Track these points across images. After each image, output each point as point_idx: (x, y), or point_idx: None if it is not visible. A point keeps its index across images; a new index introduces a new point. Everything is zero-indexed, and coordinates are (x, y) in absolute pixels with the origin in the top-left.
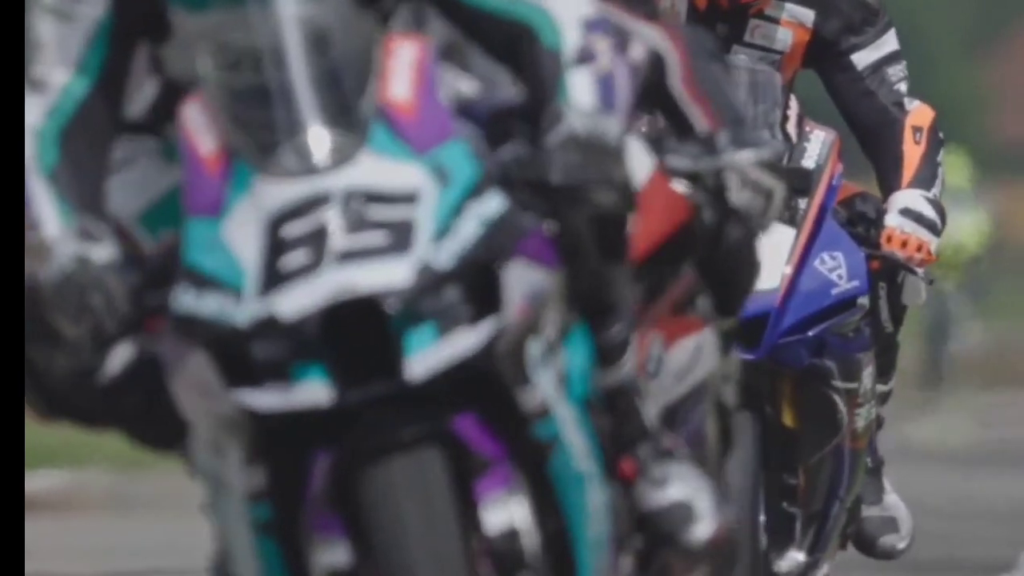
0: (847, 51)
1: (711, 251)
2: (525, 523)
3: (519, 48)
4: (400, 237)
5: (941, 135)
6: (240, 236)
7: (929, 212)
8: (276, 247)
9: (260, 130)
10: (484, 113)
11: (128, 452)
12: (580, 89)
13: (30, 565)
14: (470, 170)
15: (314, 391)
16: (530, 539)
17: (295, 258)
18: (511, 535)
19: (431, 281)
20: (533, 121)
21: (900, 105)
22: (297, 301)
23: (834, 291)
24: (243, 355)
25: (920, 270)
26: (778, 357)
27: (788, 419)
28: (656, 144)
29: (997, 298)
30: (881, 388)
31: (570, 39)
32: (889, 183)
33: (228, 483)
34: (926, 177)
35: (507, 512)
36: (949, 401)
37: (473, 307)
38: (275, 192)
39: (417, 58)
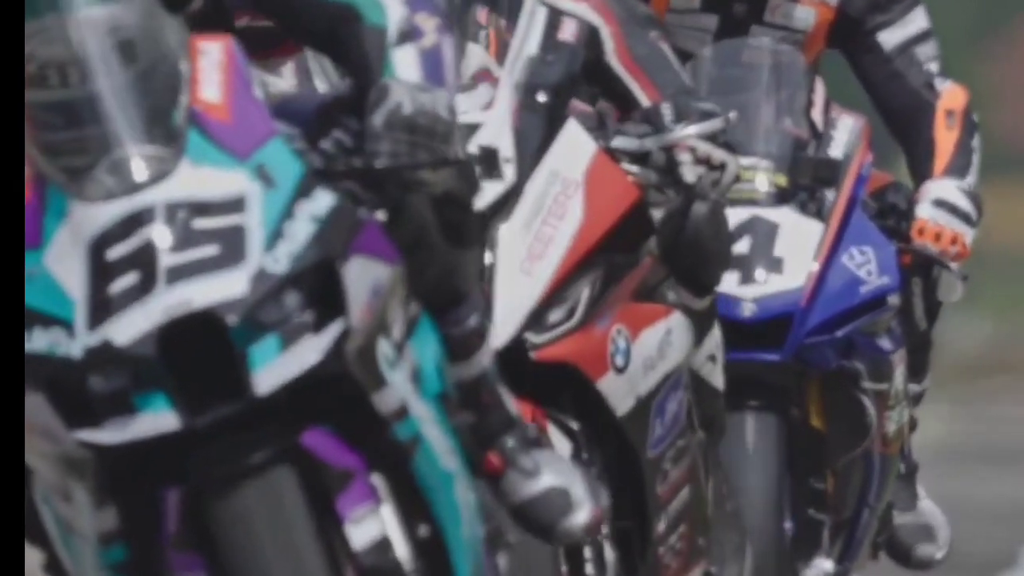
0: (873, 30)
1: (677, 232)
2: (395, 533)
3: (342, 31)
4: (231, 247)
5: (975, 118)
6: (63, 265)
7: (964, 203)
8: (102, 272)
9: (71, 150)
10: (309, 109)
11: None
12: (405, 65)
13: (30, 565)
14: (295, 169)
15: (158, 419)
16: (402, 549)
17: (124, 281)
18: (381, 547)
19: (269, 289)
20: (360, 112)
21: (931, 87)
22: (132, 326)
23: (863, 288)
24: (81, 390)
25: (954, 265)
26: (804, 358)
27: (815, 420)
28: (600, 125)
29: (984, 295)
30: (914, 388)
31: (394, 16)
32: (921, 171)
33: (78, 528)
34: (960, 165)
35: (375, 524)
36: (939, 398)
37: (316, 312)
38: (94, 215)
39: (225, 59)
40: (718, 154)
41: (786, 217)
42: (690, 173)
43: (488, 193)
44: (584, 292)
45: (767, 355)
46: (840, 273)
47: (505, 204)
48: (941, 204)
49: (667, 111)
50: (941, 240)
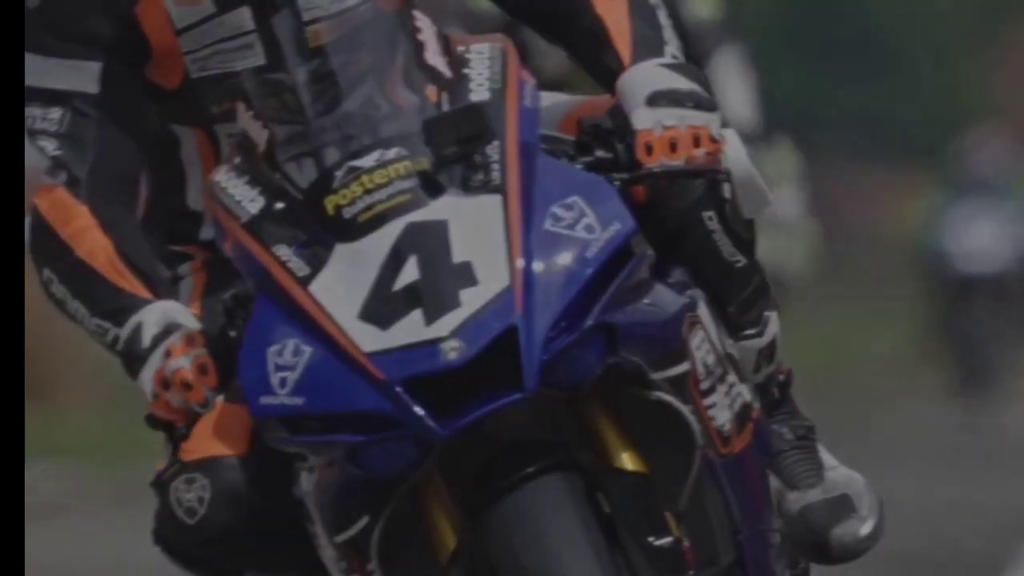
0: None
1: None
2: None
3: None
4: None
5: None
6: None
7: (682, 83)
8: None
9: None
10: None
11: (128, 450)
12: None
13: (30, 565)
14: None
15: None
16: None
17: None
18: None
19: None
20: None
21: None
22: None
23: (590, 252)
24: None
25: (725, 169)
26: (557, 381)
27: (627, 460)
28: None
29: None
30: (757, 343)
31: None
32: (604, 65)
33: None
34: (649, 37)
35: None
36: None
37: None
38: None
39: None
40: None
41: (451, 207)
42: None
43: None
44: None
45: (505, 398)
46: (550, 245)
47: None
48: (656, 100)
49: None
50: (679, 147)
